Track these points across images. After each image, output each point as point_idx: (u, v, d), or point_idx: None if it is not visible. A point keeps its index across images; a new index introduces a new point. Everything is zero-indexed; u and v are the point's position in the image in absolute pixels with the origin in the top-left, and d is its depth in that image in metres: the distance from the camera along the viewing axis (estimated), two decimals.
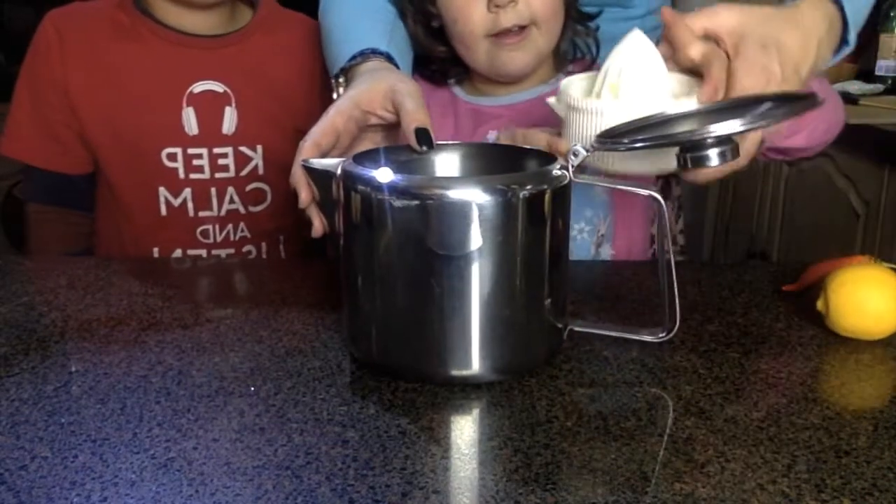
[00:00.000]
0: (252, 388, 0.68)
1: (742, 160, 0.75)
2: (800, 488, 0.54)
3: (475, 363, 0.66)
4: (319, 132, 0.80)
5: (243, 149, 1.24)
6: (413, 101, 0.78)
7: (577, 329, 0.75)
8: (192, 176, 1.24)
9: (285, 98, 1.26)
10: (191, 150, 1.23)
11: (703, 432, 0.61)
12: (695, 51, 0.78)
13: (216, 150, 1.24)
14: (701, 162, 0.66)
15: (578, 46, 1.12)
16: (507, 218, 0.64)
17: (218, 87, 1.23)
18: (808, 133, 0.91)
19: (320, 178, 0.72)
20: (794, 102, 0.69)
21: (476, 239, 0.63)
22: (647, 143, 0.68)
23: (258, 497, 0.53)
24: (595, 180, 0.74)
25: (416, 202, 0.63)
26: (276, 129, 1.25)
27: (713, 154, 0.66)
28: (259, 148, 1.25)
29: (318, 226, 0.80)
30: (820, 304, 0.77)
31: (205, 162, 1.24)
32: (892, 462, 0.57)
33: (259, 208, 1.28)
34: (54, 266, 1.02)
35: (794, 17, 0.79)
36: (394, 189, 0.63)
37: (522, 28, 1.00)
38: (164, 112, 1.21)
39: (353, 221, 0.67)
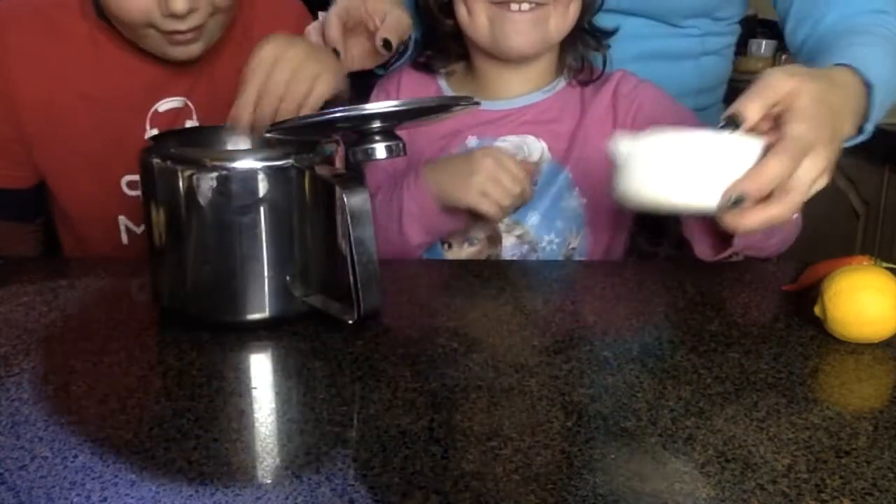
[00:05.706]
0: (252, 388, 0.68)
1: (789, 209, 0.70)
2: (800, 488, 0.54)
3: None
4: (339, 10, 0.96)
5: None
6: (392, 17, 0.95)
7: (302, 298, 0.78)
8: None
9: None
10: None
11: (703, 432, 0.61)
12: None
13: None
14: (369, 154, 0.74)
15: (586, 59, 1.06)
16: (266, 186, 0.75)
17: (179, 102, 1.10)
18: (781, 238, 0.93)
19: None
20: None
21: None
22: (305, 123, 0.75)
23: (258, 497, 0.53)
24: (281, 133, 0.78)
25: (196, 172, 0.74)
26: None
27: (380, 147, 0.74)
28: None
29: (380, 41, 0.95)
30: (818, 310, 0.77)
31: None
32: (892, 462, 0.57)
33: None
34: (54, 266, 1.02)
35: (834, 78, 0.76)
36: (183, 160, 0.75)
37: (540, 6, 0.96)
38: (126, 135, 1.06)
39: (157, 196, 0.77)
